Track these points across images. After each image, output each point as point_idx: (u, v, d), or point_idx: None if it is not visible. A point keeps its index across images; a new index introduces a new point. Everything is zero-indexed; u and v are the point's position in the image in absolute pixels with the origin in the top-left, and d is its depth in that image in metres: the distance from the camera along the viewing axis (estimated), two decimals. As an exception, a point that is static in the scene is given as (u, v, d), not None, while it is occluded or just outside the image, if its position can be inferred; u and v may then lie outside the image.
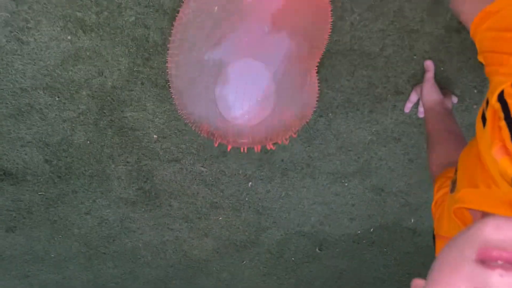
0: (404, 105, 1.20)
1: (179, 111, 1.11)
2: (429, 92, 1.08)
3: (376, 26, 1.01)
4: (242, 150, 1.17)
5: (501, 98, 0.47)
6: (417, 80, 1.14)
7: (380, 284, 2.11)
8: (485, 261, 0.41)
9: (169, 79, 1.07)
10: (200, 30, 0.99)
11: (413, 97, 1.17)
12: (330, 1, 0.94)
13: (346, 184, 1.50)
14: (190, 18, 0.98)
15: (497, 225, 0.43)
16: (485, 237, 0.43)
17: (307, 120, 1.12)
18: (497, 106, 0.48)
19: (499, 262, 0.40)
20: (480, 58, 0.56)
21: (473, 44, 0.60)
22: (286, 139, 1.15)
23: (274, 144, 1.16)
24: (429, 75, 1.08)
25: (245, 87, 1.04)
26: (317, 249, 1.87)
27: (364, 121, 1.26)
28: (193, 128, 1.12)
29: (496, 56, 0.51)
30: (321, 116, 1.24)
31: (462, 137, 1.01)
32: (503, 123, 0.46)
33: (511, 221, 0.43)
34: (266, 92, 1.05)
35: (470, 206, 0.56)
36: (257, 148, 1.16)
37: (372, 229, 1.74)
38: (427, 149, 1.00)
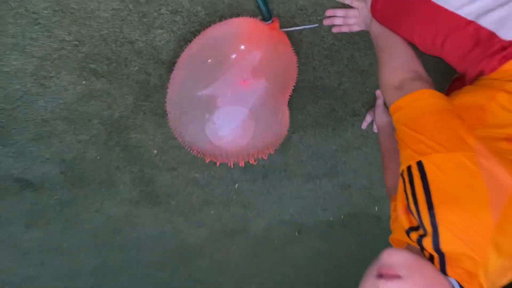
0: (361, 124, 1.45)
1: (174, 135, 1.35)
2: (380, 115, 1.34)
3: (333, 69, 1.26)
4: (229, 165, 1.42)
5: (402, 174, 0.73)
6: (371, 105, 1.39)
7: (353, 260, 2.43)
8: (380, 275, 0.69)
9: (166, 110, 1.30)
10: (194, 75, 1.22)
11: (368, 118, 1.42)
12: (296, 52, 1.18)
13: (318, 183, 1.77)
14: (186, 66, 1.20)
15: (389, 253, 0.70)
16: (382, 261, 0.70)
17: (282, 141, 1.37)
18: (401, 178, 0.73)
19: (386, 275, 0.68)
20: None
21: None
22: (265, 156, 1.41)
23: (255, 160, 1.41)
24: (379, 101, 1.33)
25: (229, 119, 1.28)
26: (296, 233, 2.16)
27: (329, 136, 1.51)
28: (186, 149, 1.36)
29: (399, 142, 0.77)
30: (293, 133, 1.50)
31: None
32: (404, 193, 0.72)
33: (399, 251, 0.71)
34: (246, 122, 1.29)
35: (395, 236, 0.83)
36: (241, 163, 1.42)
37: (342, 216, 2.03)
38: (382, 166, 1.26)
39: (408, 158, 0.74)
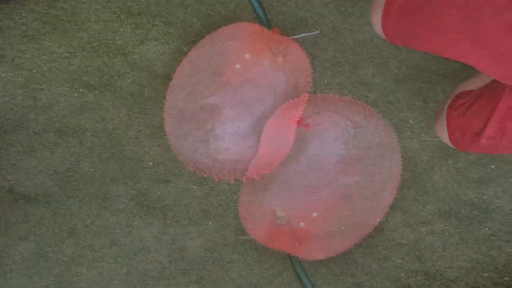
0: (363, 136, 1.40)
1: (171, 147, 1.31)
2: None
3: (335, 81, 1.21)
4: (229, 181, 1.37)
5: None
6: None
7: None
8: None
9: (164, 122, 1.26)
10: (193, 86, 1.17)
11: None
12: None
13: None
14: (185, 77, 1.15)
15: None
16: None
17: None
18: None
19: None
20: None
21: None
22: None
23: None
24: None
25: (231, 132, 1.24)
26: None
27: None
28: (183, 162, 1.31)
29: None
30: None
31: None
32: None
33: None
34: (250, 137, 1.24)
35: None
36: (244, 179, 1.37)
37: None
38: None
39: None
